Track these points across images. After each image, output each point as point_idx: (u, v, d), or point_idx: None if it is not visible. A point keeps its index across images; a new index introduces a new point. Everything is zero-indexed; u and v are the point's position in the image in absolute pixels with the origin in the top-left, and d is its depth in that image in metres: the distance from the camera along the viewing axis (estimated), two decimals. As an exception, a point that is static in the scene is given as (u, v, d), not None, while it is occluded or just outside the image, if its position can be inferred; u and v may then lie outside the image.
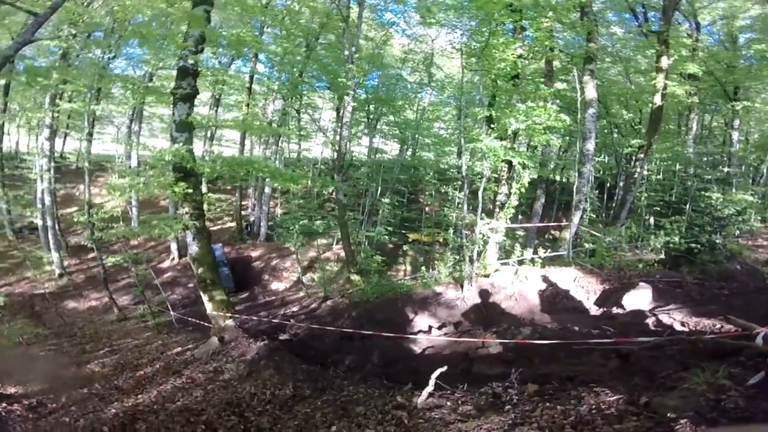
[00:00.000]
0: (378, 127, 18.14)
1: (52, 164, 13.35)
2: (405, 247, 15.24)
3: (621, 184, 15.92)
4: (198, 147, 11.59)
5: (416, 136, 18.61)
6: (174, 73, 12.57)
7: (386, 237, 14.50)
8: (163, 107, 16.29)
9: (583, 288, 7.17)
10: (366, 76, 14.52)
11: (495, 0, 8.24)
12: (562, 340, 4.84)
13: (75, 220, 10.36)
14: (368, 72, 14.83)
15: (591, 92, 9.96)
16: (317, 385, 5.18)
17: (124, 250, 10.25)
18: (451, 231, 11.67)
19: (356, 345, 7.02)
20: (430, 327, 7.45)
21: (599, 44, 11.61)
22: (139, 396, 5.18)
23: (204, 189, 11.98)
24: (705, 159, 15.92)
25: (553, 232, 12.02)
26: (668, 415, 2.38)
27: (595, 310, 6.58)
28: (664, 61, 10.91)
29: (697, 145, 15.66)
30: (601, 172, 17.84)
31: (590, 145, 10.13)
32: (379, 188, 16.85)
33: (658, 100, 11.11)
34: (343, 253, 14.27)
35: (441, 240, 14.30)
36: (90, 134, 13.89)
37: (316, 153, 23.65)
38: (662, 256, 8.53)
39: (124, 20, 9.84)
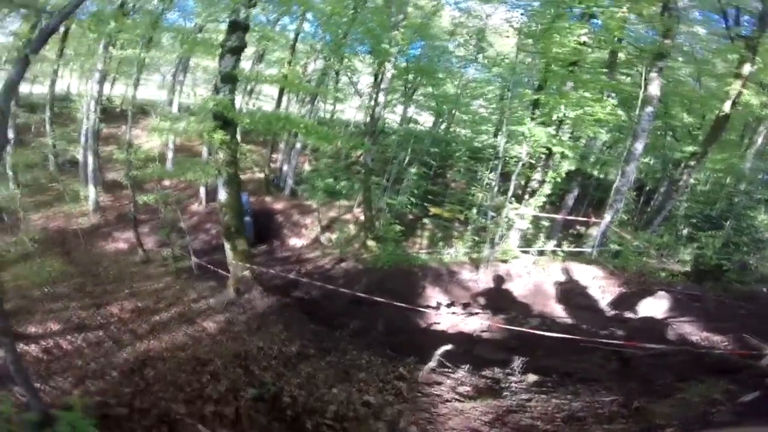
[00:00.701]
0: (414, 97, 17.60)
1: (99, 106, 13.69)
2: (425, 220, 15.13)
3: (662, 189, 15.09)
4: (237, 100, 11.57)
5: (453, 111, 17.97)
6: (222, 27, 12.55)
7: (408, 207, 14.44)
8: (208, 59, 16.30)
9: (601, 288, 7.03)
10: (409, 44, 13.97)
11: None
12: (568, 335, 4.80)
13: (114, 156, 10.60)
14: (413, 41, 14.24)
15: (654, 90, 9.29)
16: (322, 345, 5.35)
17: (156, 190, 10.55)
18: (474, 211, 11.46)
19: (363, 310, 7.19)
20: (439, 304, 7.53)
21: (675, 42, 10.63)
22: (152, 341, 5.39)
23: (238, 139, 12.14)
24: (761, 176, 14.70)
25: (578, 227, 11.66)
26: (656, 421, 2.39)
27: (608, 311, 6.47)
28: (746, 68, 9.97)
29: (757, 161, 14.45)
30: (644, 174, 16.88)
31: (639, 145, 9.58)
32: (408, 158, 16.58)
33: (727, 107, 10.23)
34: (362, 217, 14.35)
35: (462, 218, 14.11)
36: (137, 80, 14.14)
37: (350, 115, 23.38)
38: (688, 268, 8.17)
39: None
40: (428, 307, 7.36)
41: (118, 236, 12.34)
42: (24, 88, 16.39)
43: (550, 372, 3.93)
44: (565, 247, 7.85)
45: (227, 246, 7.55)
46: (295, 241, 14.09)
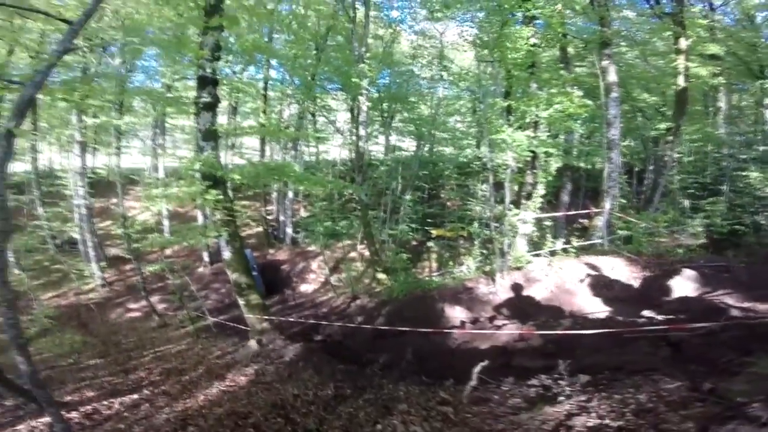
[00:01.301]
0: (393, 124, 18.08)
1: (86, 180, 13.94)
2: (429, 244, 15.14)
3: (651, 168, 15.53)
4: (221, 156, 11.83)
5: (432, 131, 18.49)
6: (191, 83, 12.98)
7: (410, 234, 14.47)
8: (183, 118, 16.71)
9: (623, 276, 6.97)
10: (377, 74, 14.50)
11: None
12: (609, 329, 4.71)
13: (112, 232, 10.74)
14: (379, 70, 14.81)
15: (612, 76, 9.78)
16: (357, 384, 5.20)
17: (160, 260, 10.62)
18: (475, 225, 11.53)
19: (389, 343, 7.04)
20: (463, 322, 7.40)
21: (613, 29, 11.39)
22: (187, 400, 5.30)
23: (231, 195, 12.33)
24: (738, 138, 15.27)
25: (581, 220, 11.75)
26: (737, 399, 2.30)
27: (638, 298, 6.38)
28: (683, 43, 10.67)
29: (729, 125, 15.07)
30: (628, 157, 17.34)
31: (615, 131, 9.94)
32: (400, 185, 16.81)
33: (681, 81, 10.87)
34: (367, 253, 14.32)
35: (465, 234, 14.16)
36: (118, 148, 14.40)
37: (335, 154, 23.82)
38: (703, 240, 8.19)
39: (136, 33, 10.07)
40: (453, 327, 7.24)
41: (131, 306, 12.48)
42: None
43: (599, 369, 3.82)
44: (575, 242, 7.85)
45: (241, 302, 7.45)
46: (305, 287, 13.98)
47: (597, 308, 6.24)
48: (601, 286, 6.76)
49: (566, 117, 7.94)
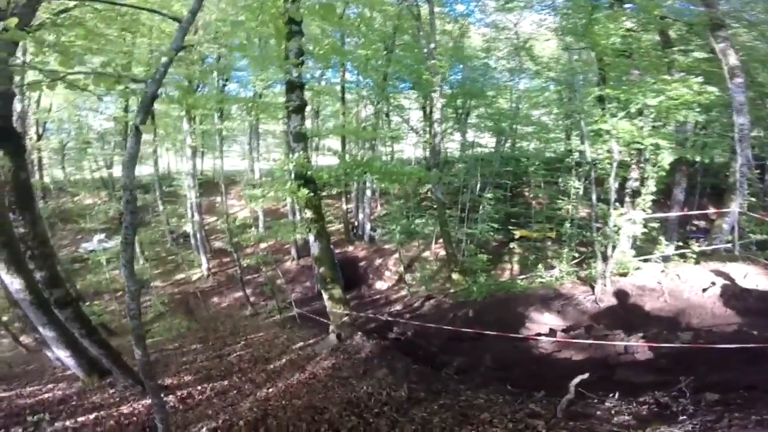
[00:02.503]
0: (469, 120, 17.51)
1: (196, 181, 15.98)
2: (511, 245, 14.34)
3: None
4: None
5: (514, 126, 17.49)
6: (277, 90, 14.01)
7: (490, 234, 13.86)
8: (273, 123, 18.15)
9: (759, 286, 5.78)
10: (449, 70, 14.13)
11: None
12: (740, 344, 3.93)
13: (217, 227, 12.08)
14: (450, 66, 14.44)
15: (732, 59, 8.24)
16: (431, 387, 5.02)
17: (256, 253, 11.68)
18: (567, 225, 10.54)
19: (465, 346, 6.78)
20: (551, 330, 6.82)
21: (722, 9, 9.59)
22: (270, 389, 5.58)
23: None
24: None
25: (695, 222, 10.10)
26: None
27: None
28: None
29: None
30: (757, 149, 14.49)
31: (744, 119, 8.40)
32: (479, 183, 16.20)
33: None
34: (442, 252, 14.08)
35: (553, 236, 13.09)
36: (221, 152, 16.22)
37: (409, 153, 23.94)
38: None
39: (226, 43, 11.13)
40: (540, 335, 6.69)
41: (229, 294, 13.95)
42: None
43: (729, 388, 3.19)
44: (695, 246, 6.72)
45: (325, 295, 7.80)
46: (380, 284, 14.26)
47: (725, 321, 5.25)
48: (731, 296, 5.66)
49: (681, 105, 6.84)
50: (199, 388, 5.90)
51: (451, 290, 11.33)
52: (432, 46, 11.69)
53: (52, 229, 14.98)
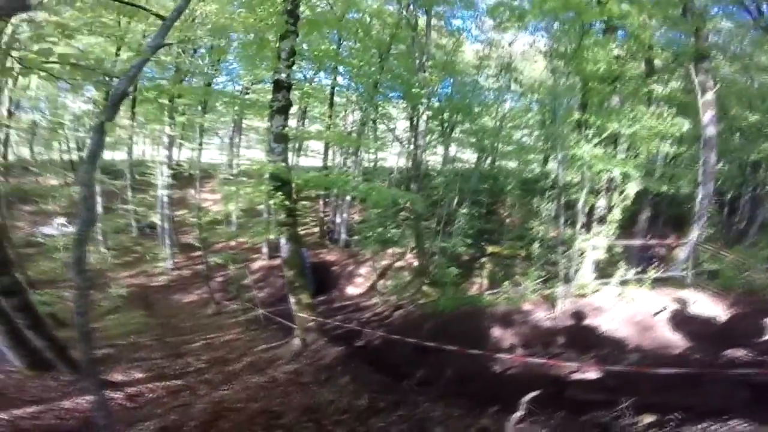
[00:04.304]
0: (453, 135, 17.79)
1: (170, 171, 15.51)
2: (482, 260, 14.57)
3: (747, 196, 13.53)
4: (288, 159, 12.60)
5: (496, 144, 17.86)
6: (267, 86, 13.92)
7: (462, 248, 14.04)
8: (258, 120, 17.90)
9: (706, 313, 6.09)
10: (439, 83, 14.35)
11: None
12: (682, 369, 4.13)
13: (186, 221, 11.70)
14: (441, 79, 14.67)
15: (709, 94, 8.68)
16: (391, 397, 5.04)
17: (224, 252, 11.39)
18: (536, 245, 10.82)
19: (429, 358, 6.82)
20: (512, 345, 6.96)
21: (710, 41, 10.16)
22: (226, 391, 5.44)
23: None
24: None
25: (656, 250, 10.55)
26: None
27: (721, 337, 5.53)
28: None
29: None
30: (720, 182, 15.33)
31: (710, 154, 8.83)
32: (456, 198, 16.44)
33: None
34: (416, 263, 14.16)
35: (523, 254, 13.38)
36: (200, 144, 15.84)
37: (392, 162, 24.07)
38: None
39: (221, 34, 10.94)
40: (500, 350, 6.81)
41: (193, 291, 13.44)
42: (107, 155, 18.40)
43: (667, 410, 3.34)
44: (651, 273, 7.02)
45: (292, 299, 7.71)
46: (352, 291, 14.16)
47: (672, 344, 5.50)
48: (679, 321, 5.96)
49: (654, 135, 7.18)
50: (150, 386, 5.68)
51: (421, 301, 11.39)
52: (425, 58, 11.85)
53: (9, 209, 14.15)
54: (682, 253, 8.29)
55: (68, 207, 15.66)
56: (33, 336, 5.18)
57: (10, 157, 18.90)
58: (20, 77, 15.52)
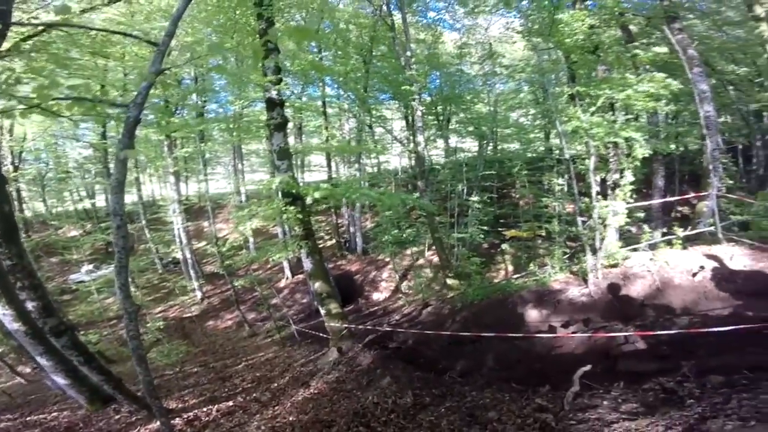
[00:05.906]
0: (451, 126, 17.80)
1: (181, 206, 15.84)
2: (503, 246, 14.50)
3: (758, 143, 13.29)
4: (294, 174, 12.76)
5: (494, 128, 17.82)
6: (257, 109, 14.09)
7: (481, 237, 14.00)
8: (256, 142, 18.09)
9: (746, 266, 5.95)
10: (426, 78, 14.37)
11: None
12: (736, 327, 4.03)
13: (207, 251, 11.94)
14: (427, 73, 14.69)
15: (690, 50, 8.65)
16: (436, 391, 5.06)
17: (248, 274, 11.59)
18: (555, 222, 10.72)
19: (466, 349, 6.77)
20: (551, 326, 6.89)
21: (675, 1, 10.09)
22: (276, 407, 5.55)
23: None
24: None
25: (679, 208, 10.39)
26: None
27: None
28: (759, 10, 9.04)
29: None
30: (727, 134, 15.10)
31: (709, 107, 8.73)
32: (465, 188, 16.41)
33: None
34: (436, 259, 14.14)
35: (543, 233, 13.29)
36: (205, 175, 16.15)
37: (395, 163, 24.13)
38: None
39: (203, 64, 11.05)
40: (539, 332, 6.76)
41: (225, 317, 13.91)
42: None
43: (732, 370, 3.27)
44: (679, 232, 6.90)
45: (322, 311, 7.77)
46: (377, 296, 14.23)
47: (719, 304, 5.38)
48: (721, 278, 5.80)
49: (648, 98, 7.12)
50: (205, 410, 5.84)
51: (448, 295, 11.36)
52: (408, 54, 11.91)
53: (37, 262, 14.59)
54: (705, 207, 8.14)
55: (92, 252, 16.12)
56: (88, 371, 5.33)
57: (27, 213, 19.46)
58: (15, 126, 16.08)
